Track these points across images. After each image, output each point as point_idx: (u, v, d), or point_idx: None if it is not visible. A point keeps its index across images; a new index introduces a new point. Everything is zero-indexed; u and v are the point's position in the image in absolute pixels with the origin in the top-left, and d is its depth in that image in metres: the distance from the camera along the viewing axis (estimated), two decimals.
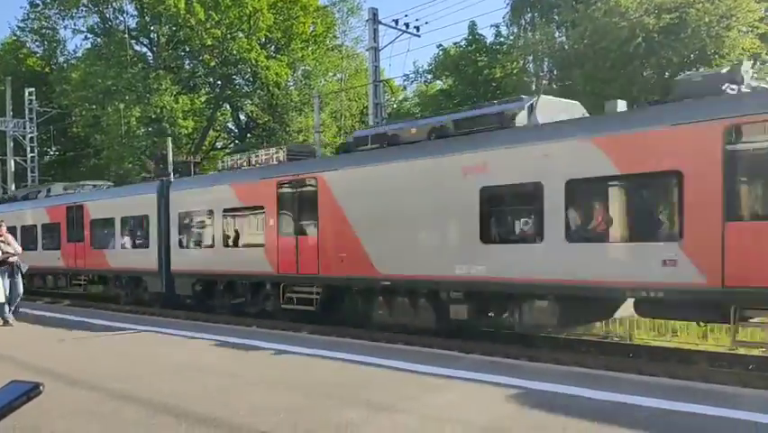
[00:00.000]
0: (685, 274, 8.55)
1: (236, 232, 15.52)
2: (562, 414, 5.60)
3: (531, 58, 25.14)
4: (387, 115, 27.21)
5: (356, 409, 5.88)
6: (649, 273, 8.85)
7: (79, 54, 41.79)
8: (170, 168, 24.80)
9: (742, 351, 10.60)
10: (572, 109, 11.46)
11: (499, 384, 6.80)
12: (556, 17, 24.64)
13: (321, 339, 10.70)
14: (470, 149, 11.02)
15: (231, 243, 15.52)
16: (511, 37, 26.83)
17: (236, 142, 42.15)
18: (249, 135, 40.24)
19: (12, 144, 38.91)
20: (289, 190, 14.01)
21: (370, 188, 12.53)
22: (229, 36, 34.93)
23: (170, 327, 12.15)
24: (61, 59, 43.91)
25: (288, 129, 37.04)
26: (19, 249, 12.78)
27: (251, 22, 35.08)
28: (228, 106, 40.75)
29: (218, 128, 43.21)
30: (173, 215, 17.01)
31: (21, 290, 12.58)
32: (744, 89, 9.00)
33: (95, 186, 23.72)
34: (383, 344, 10.46)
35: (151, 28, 38.02)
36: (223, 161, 17.94)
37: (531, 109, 11.11)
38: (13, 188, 38.31)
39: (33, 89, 38.77)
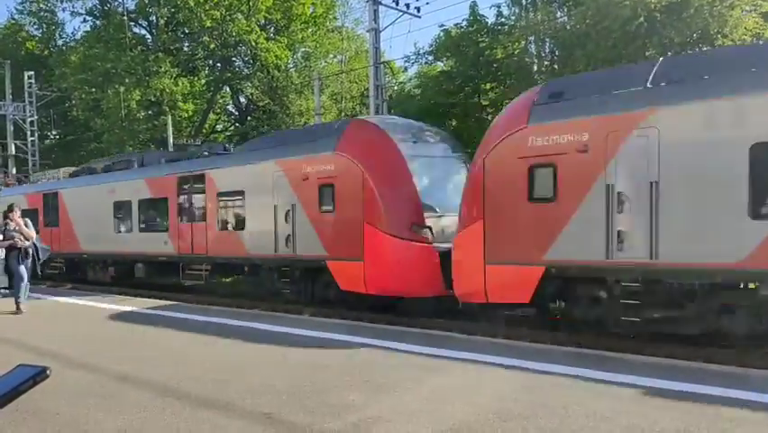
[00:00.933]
0: (171, 248, 17.06)
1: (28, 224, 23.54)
2: (564, 394, 5.64)
3: (532, 38, 24.93)
4: (388, 96, 27.07)
5: (358, 391, 5.93)
6: (161, 248, 17.34)
7: (78, 37, 41.63)
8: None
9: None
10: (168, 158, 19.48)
11: (501, 365, 6.85)
12: None
13: (321, 321, 10.76)
14: (112, 180, 19.71)
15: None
16: (512, 17, 26.58)
17: (237, 125, 41.99)
18: (249, 118, 40.05)
19: (12, 128, 38.83)
20: (49, 199, 22.08)
21: (77, 199, 20.95)
22: (228, 18, 34.64)
23: (173, 310, 12.22)
24: (60, 42, 43.70)
25: (288, 112, 36.85)
26: (33, 234, 12.68)
27: (251, 3, 34.80)
28: (228, 89, 40.53)
29: (218, 111, 43.04)
30: None
31: (25, 277, 12.32)
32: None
33: None
34: (384, 326, 10.51)
35: (150, 10, 37.71)
36: (35, 176, 27.27)
37: (141, 159, 20.21)
38: (14, 171, 38.30)
39: (33, 73, 38.63)
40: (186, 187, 16.72)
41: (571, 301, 10.10)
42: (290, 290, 14.16)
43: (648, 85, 9.08)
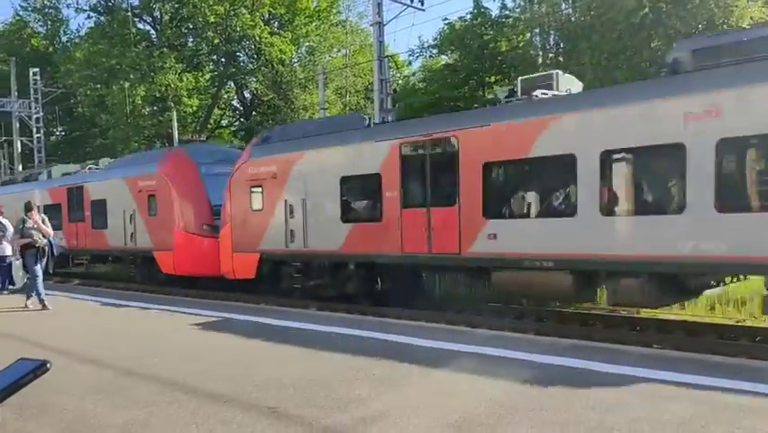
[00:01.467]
0: (64, 243, 19.43)
1: None
2: (568, 387, 5.64)
3: (537, 31, 24.80)
4: (392, 90, 27.00)
5: (364, 385, 5.94)
6: (58, 243, 18.38)
7: (83, 33, 41.66)
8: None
9: (749, 323, 10.62)
10: (72, 170, 23.63)
11: (506, 358, 6.85)
12: None
13: (327, 315, 10.78)
14: (26, 190, 23.60)
15: None
16: (517, 10, 26.46)
17: (242, 120, 42.00)
18: (254, 113, 40.05)
19: (18, 125, 38.93)
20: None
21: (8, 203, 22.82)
22: (232, 13, 34.61)
23: (179, 305, 12.26)
24: (65, 39, 43.76)
25: (293, 106, 36.81)
26: (50, 231, 12.60)
27: None
28: (232, 84, 40.51)
29: (223, 106, 43.03)
30: None
31: (40, 275, 12.20)
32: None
33: None
34: (389, 319, 10.53)
35: (154, 6, 37.71)
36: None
37: (49, 173, 24.11)
38: (20, 168, 38.42)
39: (38, 69, 38.65)
40: (72, 196, 21.58)
41: (278, 276, 14.70)
42: (135, 273, 19.19)
43: (304, 137, 14.14)
